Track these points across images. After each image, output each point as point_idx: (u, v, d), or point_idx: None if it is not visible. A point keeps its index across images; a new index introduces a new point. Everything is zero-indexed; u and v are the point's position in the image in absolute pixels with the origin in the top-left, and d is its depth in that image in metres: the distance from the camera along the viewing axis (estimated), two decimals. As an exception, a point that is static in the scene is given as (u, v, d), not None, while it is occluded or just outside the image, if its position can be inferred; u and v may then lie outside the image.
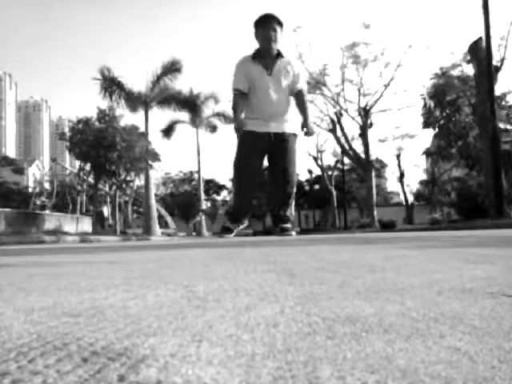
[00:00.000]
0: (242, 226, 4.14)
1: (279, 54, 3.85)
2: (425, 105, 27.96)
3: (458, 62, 25.62)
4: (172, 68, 23.04)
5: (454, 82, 25.29)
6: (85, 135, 19.77)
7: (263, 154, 3.97)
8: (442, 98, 26.13)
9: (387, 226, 21.40)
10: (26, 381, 0.48)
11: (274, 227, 4.09)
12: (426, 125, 28.61)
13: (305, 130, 3.96)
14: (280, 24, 3.79)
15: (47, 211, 37.27)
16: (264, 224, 44.70)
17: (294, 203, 4.19)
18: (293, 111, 4.00)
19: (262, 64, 3.83)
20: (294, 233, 4.06)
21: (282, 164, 3.95)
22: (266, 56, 3.84)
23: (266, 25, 3.74)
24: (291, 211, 4.12)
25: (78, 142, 19.80)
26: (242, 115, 3.93)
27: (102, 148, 19.59)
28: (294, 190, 4.07)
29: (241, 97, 3.88)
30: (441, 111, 27.07)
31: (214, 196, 60.30)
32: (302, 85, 4.00)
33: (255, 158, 3.93)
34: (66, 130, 21.93)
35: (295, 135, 3.99)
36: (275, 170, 4.04)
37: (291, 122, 3.96)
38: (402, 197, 47.71)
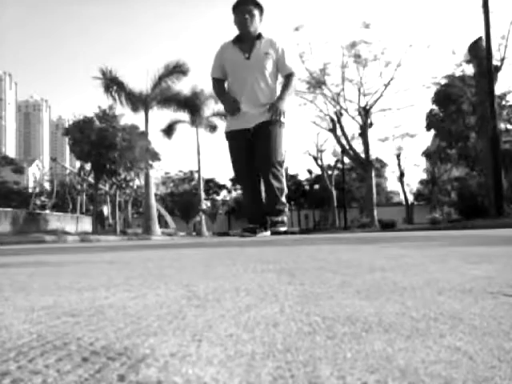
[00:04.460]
0: (264, 233, 3.77)
1: (259, 36, 3.68)
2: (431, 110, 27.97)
3: (459, 63, 25.65)
4: (176, 70, 22.99)
5: (455, 82, 25.29)
6: (87, 133, 19.75)
7: (250, 148, 3.77)
8: (444, 98, 26.12)
9: (387, 226, 21.39)
10: (25, 380, 0.48)
11: (266, 219, 3.78)
12: (430, 126, 28.57)
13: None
14: (257, 5, 3.64)
15: (47, 211, 37.25)
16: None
17: (285, 194, 3.78)
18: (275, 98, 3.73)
19: (240, 48, 3.69)
20: (285, 228, 3.78)
21: (263, 149, 3.69)
22: (245, 40, 3.69)
23: (241, 8, 3.62)
24: (284, 204, 3.77)
25: (82, 140, 19.76)
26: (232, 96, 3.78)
27: (103, 147, 19.60)
28: (283, 174, 3.73)
29: (218, 83, 3.87)
30: (443, 112, 27.04)
31: (214, 196, 60.27)
32: (289, 65, 3.77)
33: (244, 156, 3.79)
34: (67, 125, 21.94)
35: (277, 121, 3.73)
36: (257, 156, 3.75)
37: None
38: (402, 196, 47.78)
